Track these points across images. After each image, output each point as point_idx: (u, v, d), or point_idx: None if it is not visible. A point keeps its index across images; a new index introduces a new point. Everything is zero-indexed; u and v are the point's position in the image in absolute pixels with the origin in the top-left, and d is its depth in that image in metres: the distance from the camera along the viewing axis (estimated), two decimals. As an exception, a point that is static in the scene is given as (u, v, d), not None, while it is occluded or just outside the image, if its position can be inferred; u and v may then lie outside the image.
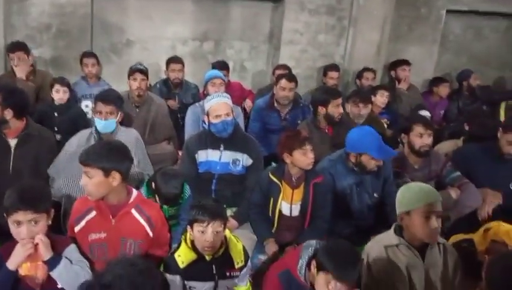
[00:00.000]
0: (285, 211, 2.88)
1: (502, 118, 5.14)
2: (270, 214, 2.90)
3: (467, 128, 3.92)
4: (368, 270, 2.20)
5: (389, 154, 2.84)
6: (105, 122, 3.04)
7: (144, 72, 3.87)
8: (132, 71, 3.86)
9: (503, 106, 5.36)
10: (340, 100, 3.54)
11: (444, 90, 5.24)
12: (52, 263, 1.95)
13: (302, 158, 2.76)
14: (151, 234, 2.20)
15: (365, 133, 2.90)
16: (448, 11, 5.66)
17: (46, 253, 1.93)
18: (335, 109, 3.49)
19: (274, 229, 2.91)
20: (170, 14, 5.05)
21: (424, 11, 5.57)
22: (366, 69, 5.02)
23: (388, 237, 2.24)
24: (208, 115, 3.05)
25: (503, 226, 2.44)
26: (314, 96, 3.74)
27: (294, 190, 2.86)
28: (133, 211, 2.20)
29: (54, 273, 1.95)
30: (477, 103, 5.17)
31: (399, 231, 2.22)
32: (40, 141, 2.98)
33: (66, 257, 2.00)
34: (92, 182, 2.10)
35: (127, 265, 1.37)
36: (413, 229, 2.14)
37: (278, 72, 4.56)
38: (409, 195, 2.17)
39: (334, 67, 4.99)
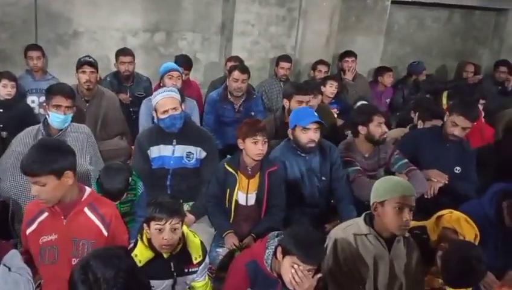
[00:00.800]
0: (241, 201, 2.92)
1: (445, 106, 5.43)
2: (227, 205, 2.93)
3: (413, 116, 4.12)
4: (334, 256, 2.25)
5: (310, 119, 2.92)
6: (64, 117, 2.95)
7: (93, 65, 3.76)
8: (80, 64, 3.74)
9: (445, 94, 5.65)
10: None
11: (388, 79, 5.41)
12: None
13: (252, 147, 2.80)
14: (105, 232, 2.14)
15: (295, 110, 3.16)
16: (393, 2, 5.84)
17: None
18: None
19: (231, 219, 2.94)
20: (119, 3, 4.93)
21: (370, 2, 5.73)
22: (320, 62, 5.12)
23: (358, 225, 2.28)
24: (155, 110, 3.04)
25: (454, 214, 2.54)
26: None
27: (249, 179, 2.90)
28: (86, 209, 2.13)
29: None
30: (421, 91, 5.42)
31: (369, 221, 2.27)
32: None
33: (5, 265, 1.92)
34: (46, 190, 2.00)
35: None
36: (385, 220, 2.18)
37: (230, 64, 4.57)
38: (386, 186, 2.22)
39: (286, 57, 5.05)
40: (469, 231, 2.39)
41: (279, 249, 2.07)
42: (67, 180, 2.05)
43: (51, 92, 3.02)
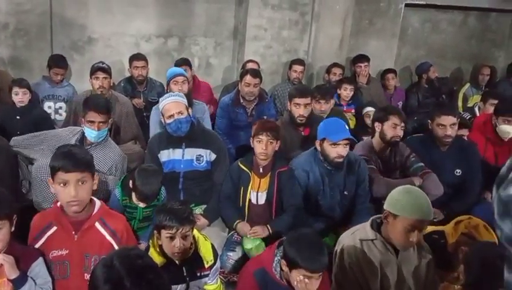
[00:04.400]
0: (253, 200, 2.96)
1: (460, 109, 5.37)
2: (241, 204, 2.96)
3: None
4: (340, 261, 2.23)
5: (342, 136, 2.83)
6: (98, 133, 2.89)
7: (106, 71, 3.82)
8: (94, 70, 3.81)
9: (460, 96, 5.59)
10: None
11: (391, 81, 5.33)
12: (17, 283, 1.87)
13: (256, 146, 2.87)
14: (117, 248, 2.06)
15: (326, 121, 3.05)
16: (406, 5, 5.80)
17: (11, 273, 1.85)
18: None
19: (245, 219, 2.96)
20: (132, 10, 4.98)
21: (384, 6, 5.70)
22: (334, 65, 5.11)
23: (364, 230, 2.24)
24: (162, 115, 3.07)
25: (473, 220, 2.47)
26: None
27: (261, 179, 2.94)
28: (97, 224, 2.08)
29: None
30: (436, 94, 5.35)
31: (376, 226, 2.23)
32: None
33: (32, 278, 1.93)
34: (86, 188, 2.00)
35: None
36: (392, 231, 2.14)
37: (249, 64, 4.65)
38: (406, 202, 2.10)
39: (298, 61, 5.05)
40: (488, 238, 2.32)
41: (284, 262, 2.06)
42: (94, 184, 2.07)
43: (86, 106, 2.96)
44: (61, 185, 1.97)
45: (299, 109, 3.47)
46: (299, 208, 2.94)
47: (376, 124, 3.23)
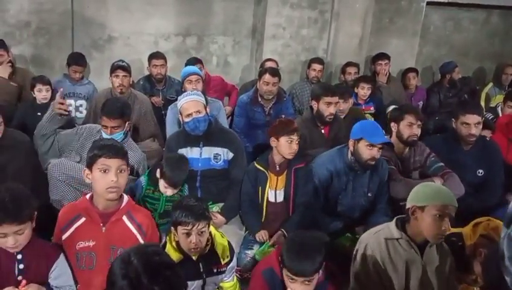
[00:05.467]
0: (271, 198, 2.97)
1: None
2: (260, 202, 2.98)
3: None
4: (362, 261, 2.20)
5: (381, 139, 2.82)
6: (110, 136, 2.92)
7: (126, 69, 3.85)
8: (114, 68, 3.84)
9: (483, 96, 5.48)
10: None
11: (413, 80, 5.26)
12: None
13: (287, 146, 2.87)
14: (142, 241, 2.13)
15: (364, 122, 3.10)
16: (428, 3, 5.71)
17: None
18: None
19: (263, 218, 2.98)
20: (151, 8, 5.00)
21: (405, 4, 5.61)
22: (349, 64, 5.06)
23: (389, 229, 2.22)
24: (180, 114, 3.08)
25: (493, 221, 2.44)
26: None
27: (278, 177, 2.95)
28: (124, 218, 2.13)
29: None
30: (458, 94, 5.24)
31: (401, 225, 2.21)
32: (15, 149, 2.88)
33: (52, 285, 1.97)
34: (124, 177, 2.08)
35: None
36: (422, 226, 2.12)
37: (268, 63, 4.63)
38: (428, 191, 2.16)
39: (317, 59, 5.01)
40: (508, 240, 2.26)
41: (280, 259, 2.07)
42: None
43: (101, 110, 3.02)
44: (102, 171, 2.04)
45: (330, 107, 3.45)
46: (309, 207, 2.93)
47: (392, 124, 3.20)
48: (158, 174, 2.78)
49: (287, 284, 2.04)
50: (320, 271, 2.05)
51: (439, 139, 3.41)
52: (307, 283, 1.99)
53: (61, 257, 2.04)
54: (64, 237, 2.11)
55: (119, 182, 2.04)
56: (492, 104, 5.17)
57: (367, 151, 2.81)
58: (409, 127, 3.10)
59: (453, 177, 3.07)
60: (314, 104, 3.54)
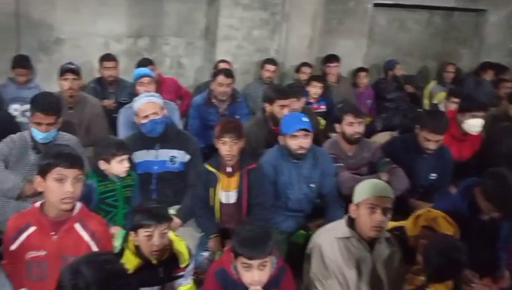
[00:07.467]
0: (224, 200, 2.96)
1: (426, 106, 5.52)
2: (213, 204, 2.97)
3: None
4: (317, 258, 2.27)
5: (294, 127, 2.92)
6: (45, 134, 2.83)
7: (75, 72, 3.75)
8: (63, 71, 3.72)
9: (427, 94, 5.74)
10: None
11: (363, 79, 5.44)
12: None
13: (221, 148, 2.87)
14: (95, 249, 2.05)
15: (284, 116, 3.18)
16: (374, 5, 5.92)
17: None
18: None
19: (217, 220, 2.98)
20: (102, 9, 4.92)
21: (352, 5, 5.80)
22: (303, 64, 5.17)
23: (340, 228, 2.29)
24: (137, 115, 3.05)
25: (432, 212, 2.53)
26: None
27: (230, 178, 2.95)
28: (77, 225, 2.05)
29: None
30: (400, 91, 5.45)
31: (350, 223, 2.28)
32: None
33: None
34: (80, 187, 1.99)
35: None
36: (360, 221, 2.20)
37: (221, 64, 4.65)
38: (360, 187, 2.26)
39: (271, 60, 5.09)
40: (447, 229, 2.40)
41: (231, 254, 2.11)
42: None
43: (33, 107, 2.85)
44: (58, 181, 1.94)
45: (284, 109, 3.49)
46: (266, 207, 2.95)
47: (336, 125, 3.35)
48: (102, 166, 2.72)
49: (242, 276, 2.05)
50: (274, 259, 2.10)
51: (401, 140, 3.54)
52: (261, 267, 2.02)
53: None
54: (13, 247, 2.02)
55: (75, 192, 1.97)
56: (435, 101, 5.44)
57: (292, 142, 2.94)
58: (350, 126, 3.25)
59: (397, 172, 3.21)
60: (266, 106, 3.60)
